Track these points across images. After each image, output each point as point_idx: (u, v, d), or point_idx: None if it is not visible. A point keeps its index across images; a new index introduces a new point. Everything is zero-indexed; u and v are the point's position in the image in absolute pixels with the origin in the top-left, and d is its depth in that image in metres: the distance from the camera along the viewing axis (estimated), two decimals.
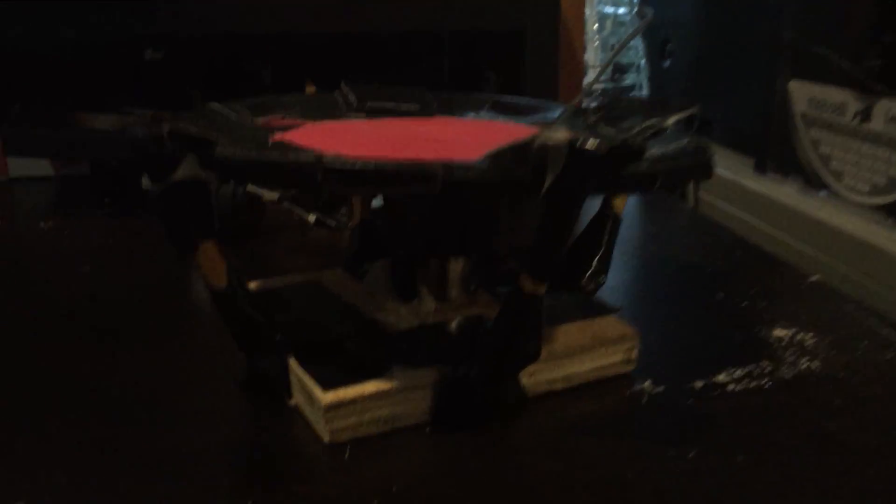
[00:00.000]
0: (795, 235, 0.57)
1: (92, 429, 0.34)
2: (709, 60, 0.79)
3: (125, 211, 0.63)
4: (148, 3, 0.60)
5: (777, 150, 0.64)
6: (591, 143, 0.28)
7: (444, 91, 0.51)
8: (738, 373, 0.38)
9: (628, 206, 0.67)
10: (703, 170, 0.34)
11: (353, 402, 0.32)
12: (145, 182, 0.33)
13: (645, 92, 0.84)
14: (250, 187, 0.54)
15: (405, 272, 0.40)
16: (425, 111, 0.49)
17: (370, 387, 0.33)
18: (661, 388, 0.37)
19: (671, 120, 0.42)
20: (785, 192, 0.60)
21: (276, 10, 0.62)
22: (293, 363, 0.35)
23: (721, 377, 0.38)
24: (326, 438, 0.32)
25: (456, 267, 0.40)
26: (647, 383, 0.37)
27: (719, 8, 0.77)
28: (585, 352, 0.37)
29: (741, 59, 0.72)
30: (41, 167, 0.72)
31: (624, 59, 0.85)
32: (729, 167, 0.68)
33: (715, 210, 0.69)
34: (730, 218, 0.66)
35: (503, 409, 0.35)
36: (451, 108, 0.49)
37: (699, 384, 0.37)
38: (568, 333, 0.38)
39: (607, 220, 0.43)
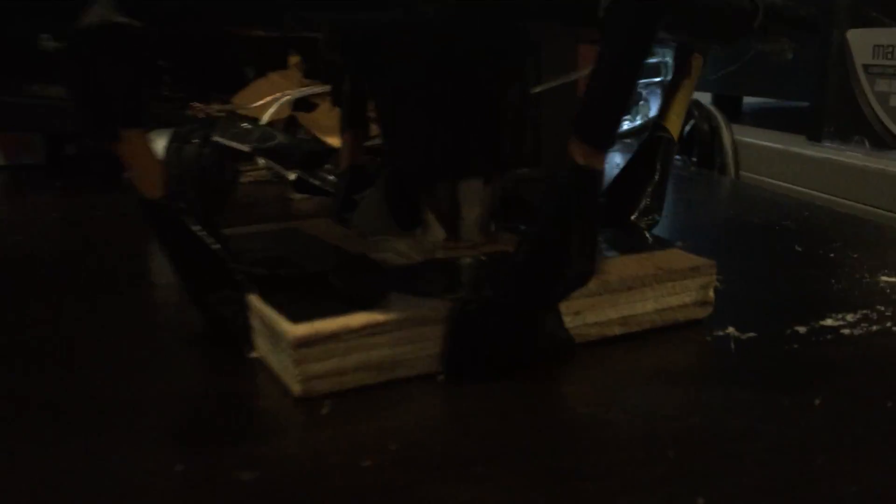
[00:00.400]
0: (868, 199, 0.48)
1: (21, 383, 0.25)
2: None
3: (75, 194, 0.54)
4: None
5: (836, 111, 0.56)
6: None
7: None
8: (850, 317, 0.29)
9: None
10: (810, 24, 0.25)
11: (333, 337, 0.23)
12: (44, 42, 0.24)
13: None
14: (217, 138, 0.45)
15: (406, 195, 0.31)
16: None
17: (358, 318, 0.23)
18: (751, 334, 0.27)
19: None
20: (850, 156, 0.51)
21: None
22: (254, 301, 0.26)
23: (828, 321, 0.28)
24: (297, 389, 0.23)
25: (474, 190, 0.30)
26: (730, 329, 0.28)
27: None
28: (648, 286, 0.28)
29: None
30: None
31: None
32: (775, 140, 0.60)
33: (763, 187, 0.60)
34: (783, 192, 0.57)
35: (540, 358, 0.25)
36: None
37: (802, 329, 0.28)
38: (625, 265, 0.28)
39: (660, 144, 0.34)
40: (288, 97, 0.50)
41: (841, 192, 0.50)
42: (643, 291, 0.28)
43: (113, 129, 0.25)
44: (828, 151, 0.54)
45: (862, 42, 0.53)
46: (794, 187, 0.54)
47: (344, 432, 0.21)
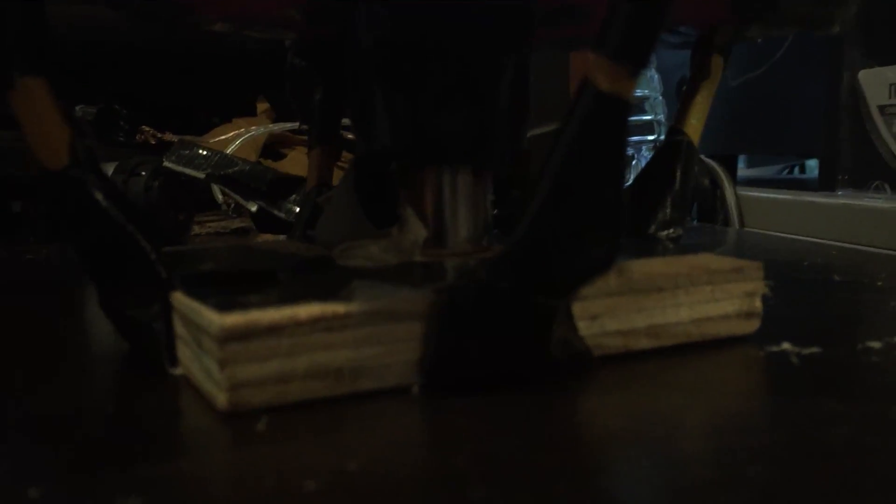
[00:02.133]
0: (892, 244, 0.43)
1: None
2: (735, 94, 0.67)
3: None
4: None
5: (851, 158, 0.51)
6: None
7: None
8: None
9: None
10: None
11: (274, 330, 0.17)
12: None
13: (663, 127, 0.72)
14: (167, 163, 0.39)
15: (381, 189, 0.25)
16: None
17: (309, 309, 0.18)
18: (814, 349, 0.22)
19: None
20: (868, 203, 0.47)
21: None
22: (179, 298, 0.20)
23: None
24: (222, 400, 0.17)
25: (462, 182, 0.25)
26: (786, 345, 0.22)
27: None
28: (682, 288, 0.22)
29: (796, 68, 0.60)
30: None
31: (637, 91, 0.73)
32: (782, 192, 0.55)
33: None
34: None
35: (547, 371, 0.20)
36: None
37: (876, 345, 0.22)
38: (653, 265, 0.23)
39: (681, 149, 0.30)
40: (252, 133, 0.45)
41: (864, 238, 0.45)
42: (675, 294, 0.22)
43: (7, 76, 0.20)
44: (844, 198, 0.50)
45: (876, 82, 0.49)
46: (808, 238, 0.49)
47: (283, 451, 0.15)
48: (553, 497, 0.13)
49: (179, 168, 0.38)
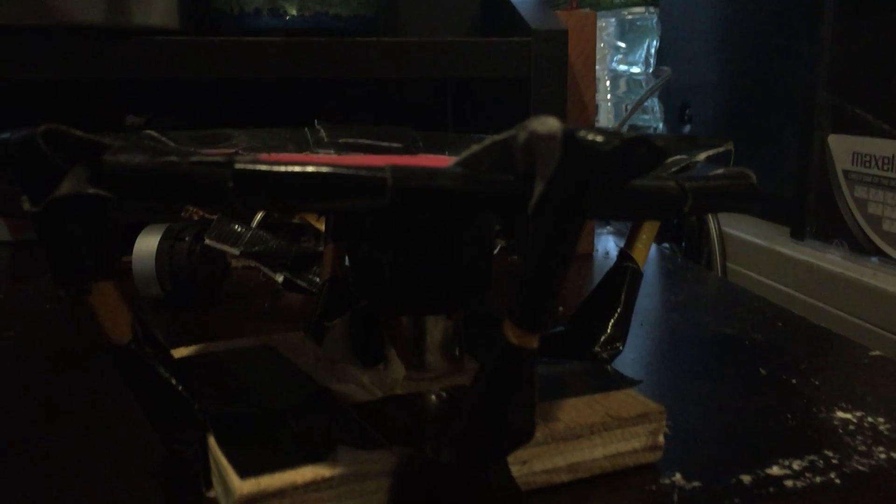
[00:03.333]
0: (843, 306, 0.49)
1: None
2: (733, 125, 0.72)
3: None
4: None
5: (817, 214, 0.56)
6: (594, 134, 0.20)
7: (437, 132, 0.44)
8: (797, 464, 0.29)
9: (650, 275, 0.59)
10: (746, 195, 0.27)
11: (279, 494, 0.24)
12: (25, 204, 0.26)
13: None
14: (208, 241, 0.46)
15: (369, 330, 0.32)
16: (409, 149, 0.42)
17: (304, 473, 0.25)
18: (696, 483, 0.28)
19: (702, 155, 0.35)
20: (828, 259, 0.52)
21: (283, 55, 0.56)
22: (212, 442, 0.27)
23: (774, 470, 0.29)
24: None
25: (436, 326, 0.32)
26: (677, 476, 0.29)
27: (743, 70, 0.71)
28: (596, 434, 0.29)
29: (769, 121, 0.66)
30: None
31: (640, 121, 0.78)
32: (761, 235, 0.60)
33: (747, 280, 0.60)
34: (764, 288, 0.58)
35: None
36: (440, 146, 0.42)
37: (747, 479, 0.28)
38: (574, 410, 0.29)
39: (626, 275, 0.35)
40: None
41: (818, 296, 0.50)
42: (591, 439, 0.29)
43: (85, 283, 0.26)
44: (808, 253, 0.55)
45: (842, 148, 0.54)
46: (777, 286, 0.55)
47: None
48: None
49: (218, 245, 0.45)
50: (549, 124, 0.20)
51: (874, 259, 0.52)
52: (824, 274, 0.52)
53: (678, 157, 0.35)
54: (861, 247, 0.53)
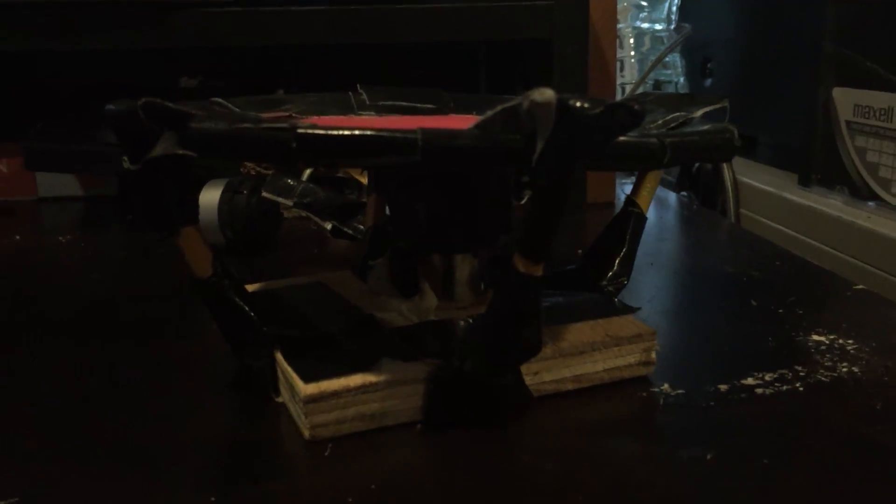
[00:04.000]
0: (841, 247, 0.53)
1: (84, 423, 0.32)
2: (751, 78, 0.76)
3: (142, 227, 0.62)
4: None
5: (822, 162, 0.60)
6: (583, 102, 0.25)
7: (467, 94, 0.49)
8: (769, 376, 0.35)
9: (666, 221, 0.64)
10: (722, 150, 0.32)
11: (335, 394, 0.30)
12: (125, 163, 0.31)
13: None
14: (265, 193, 0.52)
15: (407, 267, 0.38)
16: (441, 110, 0.47)
17: (355, 379, 0.30)
18: (680, 391, 0.34)
19: (698, 112, 0.40)
20: (830, 205, 0.56)
21: (320, 22, 0.61)
22: (279, 357, 0.33)
23: (749, 381, 0.34)
24: (307, 434, 0.30)
25: (463, 264, 0.37)
26: (665, 386, 0.34)
27: (760, 25, 0.74)
28: (597, 350, 0.34)
29: (783, 74, 0.69)
30: (70, 187, 0.72)
31: (662, 76, 0.82)
32: (771, 183, 0.65)
33: (758, 226, 0.65)
34: (774, 233, 0.62)
35: (505, 410, 0.32)
36: (469, 107, 0.47)
37: (723, 387, 0.34)
38: (579, 331, 0.35)
39: (630, 219, 0.40)
40: None
41: (821, 238, 0.55)
42: (593, 355, 0.34)
43: (175, 227, 0.32)
44: (813, 199, 0.59)
45: (845, 100, 0.58)
46: (785, 230, 0.59)
47: (337, 472, 0.28)
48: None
49: (273, 197, 0.51)
50: (546, 94, 0.25)
51: (871, 204, 0.56)
52: (826, 218, 0.56)
53: (677, 113, 0.40)
54: (860, 192, 0.57)
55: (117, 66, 0.80)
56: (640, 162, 0.30)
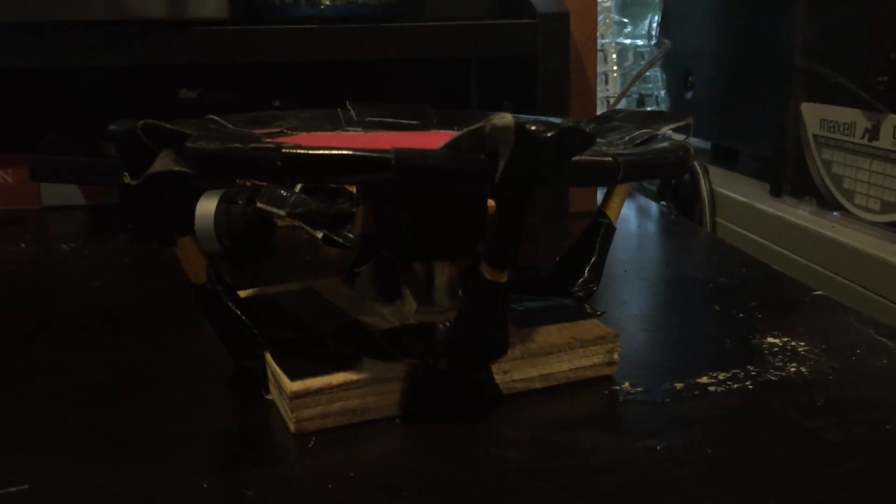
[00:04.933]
0: (808, 255, 0.56)
1: (88, 417, 0.35)
2: (730, 91, 0.78)
3: (145, 236, 0.64)
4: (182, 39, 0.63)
5: (792, 174, 0.63)
6: (538, 126, 0.28)
7: (450, 109, 0.52)
8: (722, 375, 0.37)
9: (644, 230, 0.67)
10: (675, 167, 0.34)
11: (319, 391, 0.33)
12: (126, 178, 0.34)
13: None
14: (260, 204, 0.55)
15: (389, 274, 0.41)
16: (425, 125, 0.50)
17: (338, 377, 0.33)
18: (639, 389, 0.36)
19: (663, 129, 0.43)
20: (799, 214, 0.59)
21: (318, 40, 0.64)
22: (268, 357, 0.36)
23: (703, 379, 0.37)
24: (292, 428, 0.33)
25: (442, 271, 0.40)
26: (626, 384, 0.37)
27: (738, 40, 0.77)
28: (563, 351, 0.37)
29: (760, 88, 0.72)
30: (73, 196, 0.75)
31: (644, 90, 0.86)
32: (746, 193, 0.67)
33: (733, 235, 0.68)
34: (747, 242, 0.65)
35: (477, 406, 0.35)
36: (451, 122, 0.50)
37: (679, 385, 0.37)
38: (547, 333, 0.38)
39: (600, 228, 0.43)
40: None
41: (790, 247, 0.57)
42: (559, 356, 0.37)
43: (172, 237, 0.35)
44: (783, 209, 0.62)
45: (812, 115, 0.60)
46: (758, 239, 0.62)
47: (320, 462, 0.31)
48: (444, 497, 0.28)
49: (268, 208, 0.54)
50: (505, 118, 0.28)
51: (836, 214, 0.59)
52: (794, 228, 0.59)
53: (643, 130, 0.42)
54: (826, 203, 0.60)
55: (121, 79, 0.83)
56: (596, 179, 0.33)
